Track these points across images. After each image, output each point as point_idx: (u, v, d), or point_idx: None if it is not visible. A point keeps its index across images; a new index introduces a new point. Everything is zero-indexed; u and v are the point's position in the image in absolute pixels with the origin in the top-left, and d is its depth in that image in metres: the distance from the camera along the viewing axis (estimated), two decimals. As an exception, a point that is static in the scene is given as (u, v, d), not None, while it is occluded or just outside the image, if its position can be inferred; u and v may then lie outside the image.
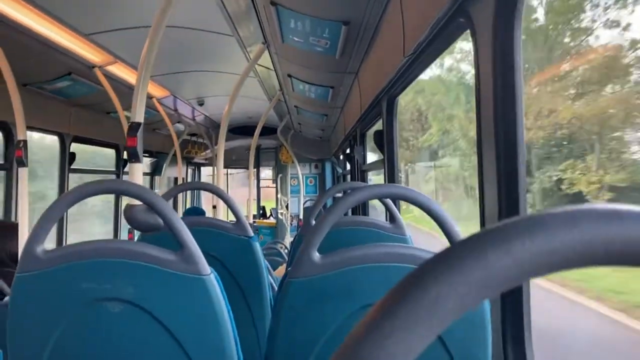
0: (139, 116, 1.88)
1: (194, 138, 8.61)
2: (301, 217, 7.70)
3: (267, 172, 10.24)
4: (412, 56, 1.99)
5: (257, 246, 2.00)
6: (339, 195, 3.80)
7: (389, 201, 2.01)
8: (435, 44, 1.81)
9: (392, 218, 2.00)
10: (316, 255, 1.13)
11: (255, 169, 8.46)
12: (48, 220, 1.14)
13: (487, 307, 1.10)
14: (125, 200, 6.22)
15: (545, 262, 0.26)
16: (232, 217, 2.07)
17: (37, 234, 1.13)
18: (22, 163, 2.84)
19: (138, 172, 1.91)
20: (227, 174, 10.22)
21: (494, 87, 1.32)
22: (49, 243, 1.19)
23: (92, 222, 6.65)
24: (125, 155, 6.14)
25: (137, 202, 1.75)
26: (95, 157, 6.29)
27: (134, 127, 1.82)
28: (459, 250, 0.27)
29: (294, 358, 1.13)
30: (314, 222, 2.07)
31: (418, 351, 0.27)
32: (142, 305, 1.12)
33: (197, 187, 2.37)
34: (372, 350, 0.26)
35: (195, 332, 1.13)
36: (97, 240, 1.16)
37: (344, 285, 1.11)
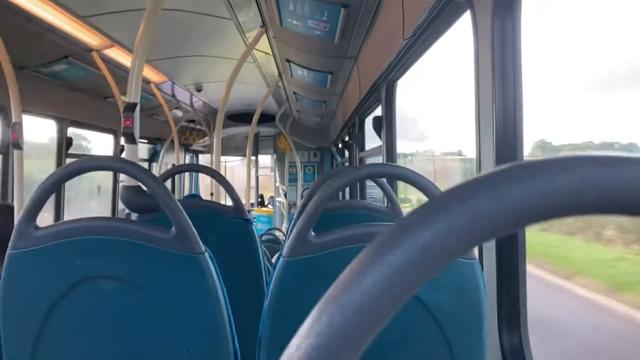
0: (135, 97, 1.87)
1: (192, 125, 8.57)
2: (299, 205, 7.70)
3: (265, 160, 10.22)
4: (411, 39, 1.97)
5: (254, 229, 1.99)
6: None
7: (385, 183, 2.00)
8: (435, 26, 1.79)
9: (389, 200, 1.99)
10: (311, 235, 1.12)
11: (253, 157, 8.44)
12: (40, 197, 1.13)
13: (482, 289, 1.09)
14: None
15: (537, 209, 0.25)
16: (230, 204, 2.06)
17: (30, 211, 1.12)
18: (18, 146, 2.82)
19: (134, 154, 1.90)
20: (225, 162, 10.20)
21: (492, 69, 1.30)
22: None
23: (89, 207, 6.63)
24: (122, 140, 6.12)
25: (133, 184, 1.75)
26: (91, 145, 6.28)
27: (129, 107, 1.80)
28: (447, 197, 0.26)
29: (289, 337, 1.13)
30: None
31: (405, 299, 0.26)
32: (135, 282, 1.11)
33: (195, 169, 2.37)
34: (357, 295, 0.26)
35: (189, 310, 1.12)
36: (90, 218, 1.15)
37: (340, 265, 1.10)
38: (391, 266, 0.26)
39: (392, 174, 1.18)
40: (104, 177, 6.13)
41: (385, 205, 2.04)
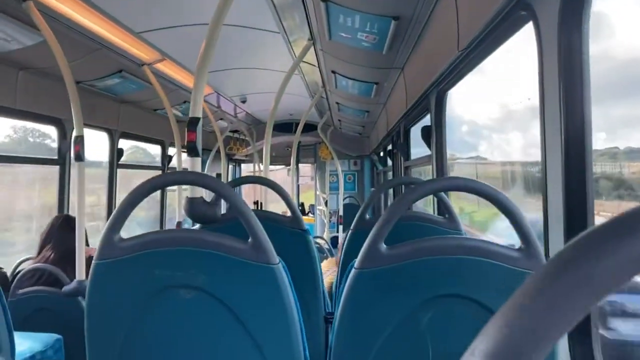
0: (198, 112, 1.93)
1: (235, 135, 8.73)
2: (341, 213, 7.71)
3: (305, 169, 10.29)
4: (466, 50, 1.97)
5: (311, 239, 2.03)
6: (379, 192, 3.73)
7: (444, 196, 2.00)
8: (492, 38, 1.79)
9: (446, 212, 1.99)
10: (383, 247, 1.14)
11: (295, 166, 8.51)
12: (125, 209, 1.19)
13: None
14: (170, 195, 6.34)
15: None
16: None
17: (115, 222, 1.19)
18: (80, 158, 2.95)
19: (197, 166, 1.96)
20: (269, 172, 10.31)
21: (560, 84, 1.29)
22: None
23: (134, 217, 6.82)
24: (170, 151, 6.30)
25: (197, 195, 1.81)
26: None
27: (193, 122, 1.87)
28: (615, 227, 0.28)
29: (359, 347, 1.15)
30: (367, 216, 2.08)
31: (572, 324, 0.28)
32: (212, 292, 1.16)
33: (255, 181, 2.44)
34: (526, 319, 0.27)
35: (264, 319, 1.16)
36: (171, 230, 1.21)
37: (411, 277, 1.12)
38: (558, 293, 0.28)
39: (477, 190, 1.19)
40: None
41: (443, 216, 2.05)
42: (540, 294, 0.28)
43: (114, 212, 1.20)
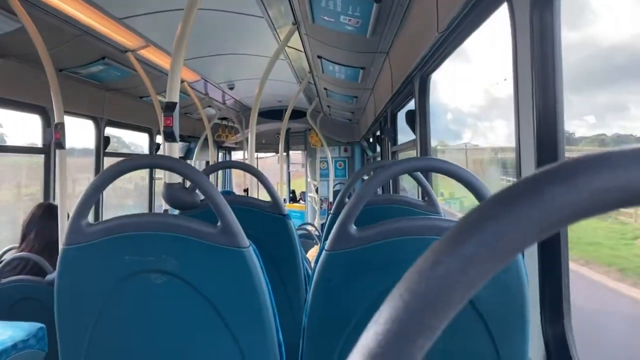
0: (174, 96, 1.91)
1: (224, 122, 8.69)
2: (331, 200, 7.72)
3: (296, 156, 10.27)
4: (445, 32, 1.96)
5: (292, 224, 2.02)
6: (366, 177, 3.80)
7: (422, 177, 2.00)
8: (470, 19, 1.78)
9: (425, 194, 1.99)
10: (353, 228, 1.13)
11: (285, 153, 8.50)
12: (92, 194, 1.18)
13: (525, 278, 1.09)
14: (158, 183, 6.33)
15: (610, 198, 0.26)
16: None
17: (82, 207, 1.17)
18: (61, 145, 2.92)
19: (174, 152, 1.95)
20: (257, 158, 10.28)
21: (532, 63, 1.29)
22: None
23: (123, 206, 6.81)
24: (157, 139, 6.26)
25: (175, 181, 1.80)
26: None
27: (169, 106, 1.85)
28: (518, 188, 0.27)
29: (332, 329, 1.15)
30: (347, 200, 2.08)
31: (474, 289, 0.27)
32: (183, 276, 1.15)
33: (233, 165, 2.42)
34: (428, 285, 0.27)
35: (235, 303, 1.16)
36: (140, 214, 1.20)
37: (381, 258, 1.12)
38: (463, 257, 0.27)
39: (439, 168, 1.18)
40: (138, 175, 6.29)
41: (421, 199, 2.05)
42: (437, 263, 0.27)
43: (81, 196, 1.18)
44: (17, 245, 3.04)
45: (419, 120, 2.80)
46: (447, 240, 0.28)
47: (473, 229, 0.27)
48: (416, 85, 2.79)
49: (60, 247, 1.19)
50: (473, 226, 0.28)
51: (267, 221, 1.99)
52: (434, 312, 0.27)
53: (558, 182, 0.26)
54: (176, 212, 2.03)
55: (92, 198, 1.19)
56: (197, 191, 2.02)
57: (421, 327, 0.26)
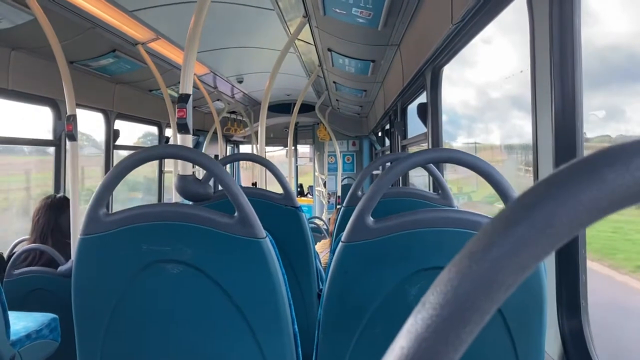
0: (188, 88, 1.91)
1: (232, 116, 8.70)
2: (339, 194, 7.71)
3: (304, 150, 10.26)
4: (460, 24, 1.94)
5: (303, 216, 2.02)
6: (377, 172, 3.81)
7: (436, 170, 1.99)
8: (486, 10, 1.76)
9: (439, 187, 1.98)
10: (370, 220, 1.13)
11: (293, 147, 8.49)
12: (110, 184, 1.18)
13: (543, 273, 1.08)
14: (167, 177, 6.35)
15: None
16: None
17: (100, 197, 1.17)
18: (73, 137, 2.93)
19: (187, 143, 1.95)
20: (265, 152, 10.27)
21: (550, 57, 1.28)
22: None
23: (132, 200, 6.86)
24: (167, 132, 6.27)
25: (187, 173, 1.80)
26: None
27: (183, 98, 1.85)
28: (571, 169, 0.27)
29: (348, 320, 1.15)
30: (359, 194, 2.08)
31: (527, 272, 0.27)
32: (200, 267, 1.15)
33: (246, 157, 2.41)
34: (480, 268, 0.26)
35: (252, 293, 1.16)
36: (157, 204, 1.20)
37: (398, 250, 1.11)
38: (516, 239, 0.27)
39: (460, 159, 1.17)
40: (145, 169, 6.31)
41: (434, 192, 2.04)
42: (489, 245, 0.27)
43: (99, 186, 1.18)
44: (28, 237, 3.06)
45: (431, 113, 2.78)
46: (499, 222, 0.28)
47: (525, 210, 0.27)
48: (428, 78, 2.78)
49: (78, 236, 1.19)
50: (525, 207, 0.27)
51: (279, 213, 1.99)
52: (485, 295, 0.26)
53: (615, 163, 0.26)
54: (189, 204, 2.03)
55: (110, 188, 1.19)
56: (210, 183, 2.02)
57: (473, 312, 0.26)
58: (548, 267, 1.28)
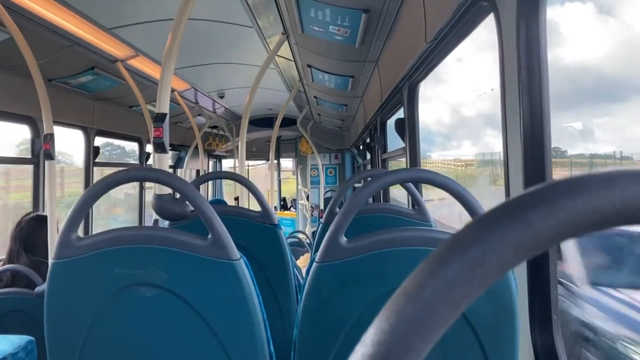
0: (164, 107, 1.91)
1: (214, 130, 8.68)
2: (322, 207, 7.71)
3: (286, 164, 10.27)
4: (433, 42, 1.98)
5: (282, 234, 2.02)
6: (358, 185, 3.84)
7: (412, 187, 2.01)
8: (457, 30, 1.80)
9: (415, 204, 2.00)
10: (343, 240, 1.14)
11: (275, 161, 8.50)
12: (82, 208, 1.17)
13: (514, 287, 1.10)
14: (149, 193, 6.30)
15: (587, 221, 0.27)
16: (254, 209, 2.11)
17: (72, 221, 1.17)
18: (50, 156, 2.90)
19: (164, 163, 1.95)
20: (247, 166, 10.26)
21: (518, 72, 1.31)
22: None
23: (113, 216, 6.78)
24: (147, 148, 6.23)
25: (165, 192, 1.79)
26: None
27: (159, 117, 1.85)
28: (500, 212, 0.28)
29: (323, 341, 1.15)
30: (337, 210, 2.09)
31: (459, 311, 0.28)
32: (173, 290, 1.15)
33: (223, 176, 2.39)
34: (414, 308, 0.27)
35: (226, 315, 1.16)
36: (129, 227, 1.19)
37: (372, 269, 1.12)
38: (448, 279, 0.28)
39: (424, 178, 1.19)
40: (128, 185, 6.25)
41: (412, 208, 2.06)
42: (423, 286, 0.28)
43: (71, 210, 1.17)
44: (4, 257, 3.01)
45: (408, 128, 2.81)
46: (432, 262, 0.29)
47: (457, 252, 0.28)
48: (405, 93, 2.81)
49: (50, 260, 1.18)
50: (457, 249, 0.28)
51: (257, 231, 1.98)
52: (420, 335, 0.27)
53: (540, 205, 0.27)
54: (166, 223, 2.02)
55: (82, 212, 1.18)
56: (187, 202, 2.01)
57: (407, 350, 0.27)
58: (520, 282, 1.30)
